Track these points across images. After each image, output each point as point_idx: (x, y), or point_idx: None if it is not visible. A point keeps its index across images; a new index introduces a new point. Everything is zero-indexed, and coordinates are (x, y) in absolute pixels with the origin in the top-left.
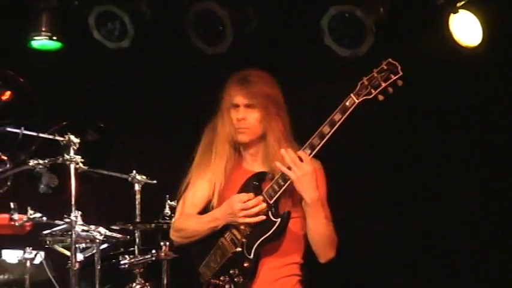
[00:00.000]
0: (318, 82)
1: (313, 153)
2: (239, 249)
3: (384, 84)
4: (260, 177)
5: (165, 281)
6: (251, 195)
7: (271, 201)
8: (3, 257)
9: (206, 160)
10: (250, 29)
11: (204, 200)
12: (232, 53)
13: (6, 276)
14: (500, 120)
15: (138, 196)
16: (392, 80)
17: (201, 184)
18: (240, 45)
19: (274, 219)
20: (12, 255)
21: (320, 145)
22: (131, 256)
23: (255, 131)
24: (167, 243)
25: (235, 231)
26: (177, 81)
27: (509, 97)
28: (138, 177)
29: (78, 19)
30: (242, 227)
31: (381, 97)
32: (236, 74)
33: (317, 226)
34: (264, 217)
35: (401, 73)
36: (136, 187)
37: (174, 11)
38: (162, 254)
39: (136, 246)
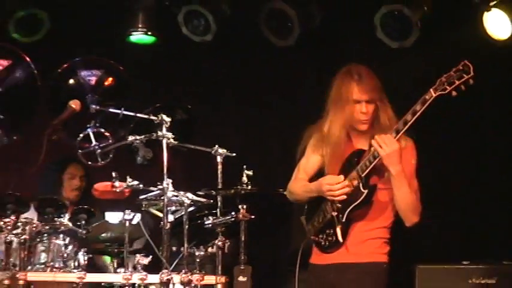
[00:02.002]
0: (372, 69)
1: (398, 136)
2: (335, 213)
3: (457, 82)
4: (359, 153)
5: (242, 238)
6: (339, 178)
7: (363, 175)
8: (107, 218)
9: (320, 138)
10: (314, 25)
11: (314, 169)
12: (299, 45)
13: (108, 234)
14: None
15: (219, 166)
16: (465, 79)
17: (314, 157)
18: (306, 39)
19: (363, 190)
20: (114, 217)
21: (404, 130)
22: (214, 217)
23: (372, 120)
24: (244, 206)
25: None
26: (252, 69)
27: None
28: (220, 150)
29: (169, 17)
30: None
31: (454, 93)
32: (346, 72)
33: (401, 195)
34: (344, 197)
35: (472, 74)
36: (218, 159)
37: (250, 9)
38: (240, 216)
39: (218, 209)
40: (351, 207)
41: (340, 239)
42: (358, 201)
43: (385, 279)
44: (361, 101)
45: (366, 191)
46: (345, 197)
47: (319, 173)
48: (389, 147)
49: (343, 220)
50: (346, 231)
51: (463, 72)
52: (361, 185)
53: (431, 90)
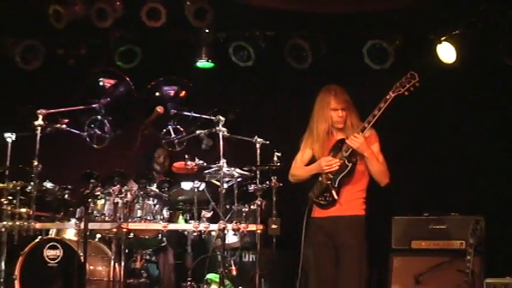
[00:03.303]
0: (361, 84)
1: (369, 126)
2: (329, 181)
3: (407, 85)
4: (341, 141)
5: (274, 199)
6: (330, 157)
7: (346, 154)
8: (182, 186)
9: (311, 139)
10: (322, 54)
11: (308, 158)
12: (311, 68)
13: (183, 197)
14: (468, 108)
15: (258, 150)
16: (412, 82)
17: (307, 150)
18: (316, 63)
19: (348, 164)
20: (187, 185)
21: (372, 122)
22: (254, 185)
23: (345, 120)
24: (275, 177)
25: (328, 173)
26: (279, 84)
27: (472, 90)
28: (259, 139)
29: (223, 49)
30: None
31: (406, 93)
32: (327, 89)
33: (374, 167)
34: (337, 168)
35: (418, 79)
36: (257, 145)
37: (277, 44)
38: (272, 184)
39: (257, 179)
40: (341, 175)
41: (335, 197)
42: (346, 171)
43: (364, 226)
44: (337, 108)
45: (350, 164)
46: (337, 168)
47: (311, 162)
48: (358, 141)
49: (336, 185)
50: (339, 192)
51: (410, 78)
52: (346, 160)
53: (390, 92)
